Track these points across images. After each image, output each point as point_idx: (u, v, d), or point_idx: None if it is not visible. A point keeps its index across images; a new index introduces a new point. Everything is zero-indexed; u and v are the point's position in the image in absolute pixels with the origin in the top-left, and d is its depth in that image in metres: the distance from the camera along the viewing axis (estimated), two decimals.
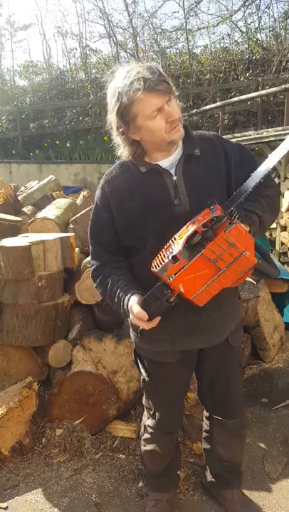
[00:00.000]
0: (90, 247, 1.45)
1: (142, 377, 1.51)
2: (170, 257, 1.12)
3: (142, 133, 1.29)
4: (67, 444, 2.01)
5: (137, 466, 1.94)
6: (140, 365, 1.49)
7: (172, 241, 1.17)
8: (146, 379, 1.46)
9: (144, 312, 1.19)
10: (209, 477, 1.73)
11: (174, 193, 1.30)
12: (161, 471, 1.66)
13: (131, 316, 1.25)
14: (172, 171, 1.32)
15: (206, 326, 1.38)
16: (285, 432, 2.17)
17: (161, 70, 1.26)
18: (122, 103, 1.24)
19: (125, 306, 1.28)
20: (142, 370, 1.48)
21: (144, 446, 1.64)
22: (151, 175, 1.33)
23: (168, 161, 1.34)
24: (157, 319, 1.22)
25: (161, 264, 1.15)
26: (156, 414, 1.53)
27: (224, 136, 1.57)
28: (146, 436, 1.62)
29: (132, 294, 1.27)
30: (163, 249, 1.19)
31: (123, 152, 1.36)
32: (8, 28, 15.53)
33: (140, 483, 1.85)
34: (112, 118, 1.30)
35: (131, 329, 1.51)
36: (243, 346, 1.76)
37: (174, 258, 1.12)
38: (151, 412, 1.56)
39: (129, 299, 1.27)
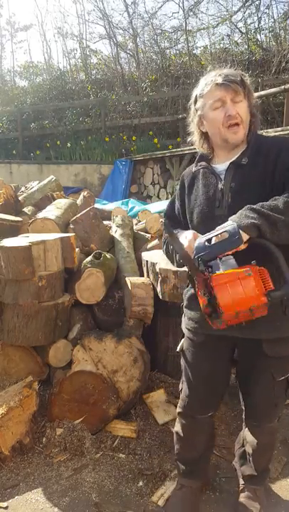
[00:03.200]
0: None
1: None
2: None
3: (206, 123, 1.44)
4: (67, 443, 2.01)
5: (137, 466, 1.95)
6: (181, 340, 1.62)
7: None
8: (178, 350, 1.61)
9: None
10: (234, 461, 1.82)
11: (219, 195, 1.43)
12: (186, 457, 1.70)
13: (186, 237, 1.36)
14: (222, 176, 1.44)
15: None
16: (285, 432, 2.17)
17: (245, 78, 1.41)
18: (198, 94, 1.44)
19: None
20: (180, 344, 1.62)
21: (175, 426, 1.73)
22: (204, 174, 1.50)
23: (223, 165, 1.46)
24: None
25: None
26: (182, 391, 1.63)
27: None
28: (177, 417, 1.71)
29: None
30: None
31: (195, 142, 1.52)
32: (9, 28, 15.60)
33: (140, 483, 1.86)
34: (191, 108, 1.49)
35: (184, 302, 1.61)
36: None
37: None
38: (180, 389, 1.66)
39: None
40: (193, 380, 1.58)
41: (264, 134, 5.07)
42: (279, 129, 5.09)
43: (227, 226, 1.26)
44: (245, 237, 1.23)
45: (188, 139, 1.54)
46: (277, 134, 4.75)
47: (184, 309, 1.61)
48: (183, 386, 1.63)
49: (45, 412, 2.17)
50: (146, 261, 2.57)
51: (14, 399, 1.99)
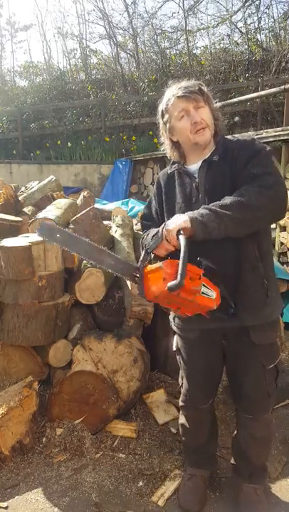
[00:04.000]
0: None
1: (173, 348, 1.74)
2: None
3: (176, 134, 1.56)
4: (67, 443, 2.01)
5: (137, 466, 1.95)
6: (174, 339, 1.73)
7: None
8: (174, 349, 1.72)
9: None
10: (232, 460, 1.82)
11: (195, 193, 1.53)
12: (193, 446, 1.80)
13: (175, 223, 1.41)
14: (196, 174, 1.55)
15: (222, 308, 1.45)
16: (285, 432, 2.17)
17: (203, 88, 1.54)
18: (164, 108, 1.57)
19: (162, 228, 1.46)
20: (174, 343, 1.73)
21: (180, 419, 1.82)
22: (179, 175, 1.61)
23: (196, 165, 1.57)
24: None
25: None
26: (183, 386, 1.73)
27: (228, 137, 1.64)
28: (181, 410, 1.80)
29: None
30: None
31: (166, 150, 1.64)
32: (9, 28, 15.56)
33: (140, 483, 1.86)
34: (159, 122, 1.61)
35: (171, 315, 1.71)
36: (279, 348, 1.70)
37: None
38: (181, 384, 1.76)
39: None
40: (191, 374, 1.68)
41: (264, 133, 5.07)
42: (279, 129, 5.08)
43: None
44: (187, 229, 1.36)
45: (161, 149, 1.66)
46: (277, 134, 4.75)
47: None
48: (183, 381, 1.73)
49: (45, 412, 2.17)
50: None
51: (14, 399, 1.99)
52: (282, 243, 4.49)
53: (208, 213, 1.36)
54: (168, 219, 1.50)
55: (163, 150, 1.67)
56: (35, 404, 2.07)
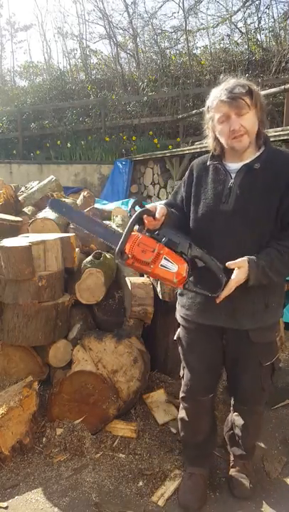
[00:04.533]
0: None
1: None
2: None
3: (217, 133, 1.55)
4: (67, 443, 2.01)
5: (137, 466, 1.95)
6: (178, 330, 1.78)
7: None
8: (174, 338, 1.78)
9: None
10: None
11: (227, 193, 1.53)
12: (192, 442, 1.83)
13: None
14: (233, 175, 1.55)
15: (222, 307, 1.52)
16: (285, 432, 2.17)
17: (253, 88, 1.49)
18: (209, 105, 1.55)
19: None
20: (176, 333, 1.77)
21: (179, 414, 1.85)
22: (215, 170, 1.60)
23: (236, 166, 1.56)
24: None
25: None
26: (184, 376, 1.76)
27: None
28: (181, 403, 1.82)
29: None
30: None
31: (209, 143, 1.62)
32: (9, 28, 15.56)
33: (140, 483, 1.86)
34: (205, 115, 1.59)
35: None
36: (277, 348, 1.79)
37: None
38: (182, 375, 1.78)
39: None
40: (192, 365, 1.71)
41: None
42: (279, 129, 5.08)
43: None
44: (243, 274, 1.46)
45: (204, 141, 1.62)
46: (277, 134, 4.75)
47: (178, 296, 1.74)
48: (184, 372, 1.76)
49: (45, 412, 2.17)
50: None
51: (14, 399, 1.99)
52: None
53: (263, 274, 1.45)
54: (194, 210, 1.61)
55: (206, 143, 1.67)
56: (35, 404, 2.07)
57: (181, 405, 1.82)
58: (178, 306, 1.74)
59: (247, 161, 1.54)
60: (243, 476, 1.80)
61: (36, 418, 2.10)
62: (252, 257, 1.46)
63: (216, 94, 1.50)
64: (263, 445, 2.08)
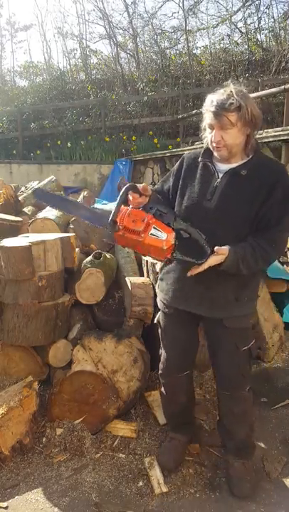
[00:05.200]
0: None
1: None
2: None
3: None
4: (67, 443, 2.01)
5: (137, 466, 1.95)
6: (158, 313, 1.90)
7: None
8: (155, 321, 1.92)
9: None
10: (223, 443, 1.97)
11: (212, 190, 1.62)
12: (171, 412, 2.00)
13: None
14: (220, 175, 1.62)
15: (196, 296, 1.67)
16: (285, 432, 2.17)
17: (242, 103, 1.50)
18: (204, 107, 1.59)
19: None
20: (156, 316, 1.91)
21: (159, 388, 2.03)
22: (205, 166, 1.67)
23: (224, 167, 1.63)
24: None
25: None
26: (162, 356, 1.90)
27: None
28: (159, 378, 1.99)
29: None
30: None
31: (204, 139, 1.66)
32: (9, 28, 15.56)
33: (140, 483, 1.86)
34: (204, 112, 1.63)
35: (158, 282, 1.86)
36: (253, 333, 1.92)
37: None
38: (160, 354, 1.92)
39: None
40: (169, 346, 1.85)
41: (263, 133, 5.07)
42: (279, 129, 5.08)
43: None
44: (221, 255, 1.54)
45: (201, 134, 1.68)
46: (277, 134, 4.75)
47: (159, 281, 1.84)
48: (162, 352, 1.90)
49: (45, 412, 2.17)
50: (146, 261, 2.57)
51: (14, 399, 1.99)
52: None
53: (236, 264, 1.54)
54: (179, 202, 1.69)
55: (204, 137, 1.68)
56: (35, 404, 2.07)
57: (160, 380, 1.98)
58: (157, 290, 1.85)
59: (234, 166, 1.61)
60: (242, 476, 1.82)
61: (36, 418, 2.10)
62: (233, 247, 1.55)
63: (208, 102, 1.56)
64: (263, 445, 2.08)
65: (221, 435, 1.94)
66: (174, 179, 1.76)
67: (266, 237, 1.57)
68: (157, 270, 2.28)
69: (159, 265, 2.30)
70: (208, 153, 1.67)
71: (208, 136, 1.60)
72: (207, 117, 1.57)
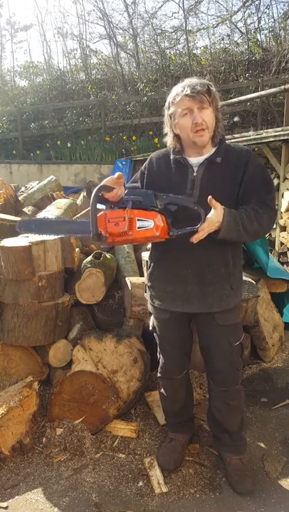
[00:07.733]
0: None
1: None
2: None
3: (178, 128, 1.64)
4: (67, 443, 2.01)
5: (137, 466, 1.95)
6: (150, 319, 1.95)
7: None
8: (150, 328, 1.95)
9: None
10: (212, 438, 2.01)
11: (190, 185, 1.65)
12: (171, 412, 2.01)
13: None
14: (195, 169, 1.65)
15: (188, 296, 1.70)
16: (285, 432, 2.17)
17: (211, 88, 1.59)
18: (170, 101, 1.63)
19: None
20: (150, 323, 1.95)
21: (159, 389, 2.04)
22: (177, 163, 1.69)
23: (196, 160, 1.67)
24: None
25: None
26: (160, 360, 1.94)
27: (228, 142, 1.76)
28: (159, 381, 2.01)
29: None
30: None
31: (168, 141, 1.71)
32: (9, 28, 15.58)
33: (140, 483, 1.86)
34: (165, 112, 1.68)
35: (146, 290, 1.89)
36: (245, 334, 1.99)
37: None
38: (158, 358, 1.95)
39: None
40: (166, 350, 1.89)
41: (264, 133, 5.07)
42: (279, 129, 5.08)
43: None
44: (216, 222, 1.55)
45: (164, 139, 1.72)
46: (277, 134, 4.75)
47: (148, 289, 1.85)
48: (160, 356, 1.93)
49: (45, 412, 2.17)
50: (146, 261, 2.56)
51: (14, 399, 1.99)
52: (282, 243, 4.49)
53: (235, 223, 1.56)
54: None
55: (165, 140, 1.73)
56: (35, 404, 2.07)
57: (159, 382, 2.01)
58: (148, 297, 1.87)
59: (208, 155, 1.65)
60: (242, 471, 1.83)
61: (36, 418, 2.10)
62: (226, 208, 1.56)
63: (179, 89, 1.59)
64: (263, 445, 2.08)
65: (212, 427, 1.96)
66: (147, 180, 1.76)
67: (255, 202, 1.62)
68: None
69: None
70: (176, 150, 1.70)
71: (184, 123, 1.60)
72: (182, 103, 1.57)
